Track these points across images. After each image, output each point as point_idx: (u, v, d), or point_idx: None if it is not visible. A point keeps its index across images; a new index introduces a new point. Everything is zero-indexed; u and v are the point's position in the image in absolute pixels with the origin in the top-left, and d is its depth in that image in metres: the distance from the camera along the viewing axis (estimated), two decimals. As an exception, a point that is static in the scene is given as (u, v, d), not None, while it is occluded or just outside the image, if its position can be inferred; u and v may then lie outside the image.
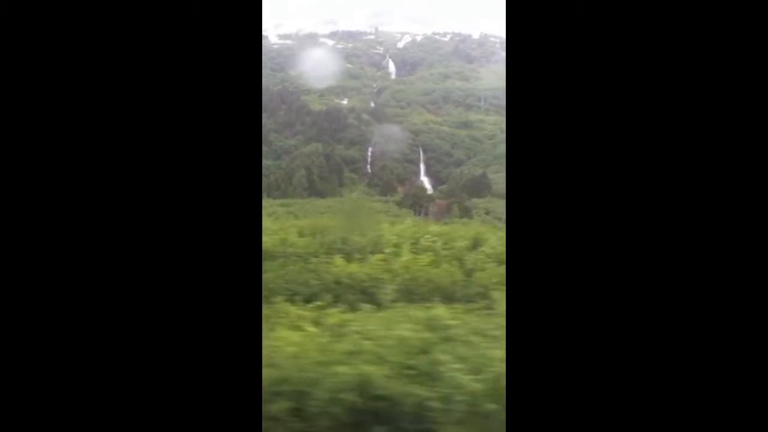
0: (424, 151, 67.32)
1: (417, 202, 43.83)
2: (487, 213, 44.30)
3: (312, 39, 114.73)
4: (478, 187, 48.94)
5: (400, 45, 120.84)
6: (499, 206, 47.16)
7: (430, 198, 46.26)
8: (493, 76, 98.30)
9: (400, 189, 54.42)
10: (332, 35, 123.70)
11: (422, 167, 65.93)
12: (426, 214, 41.23)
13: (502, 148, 67.94)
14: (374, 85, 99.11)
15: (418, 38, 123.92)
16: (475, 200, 46.97)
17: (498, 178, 57.63)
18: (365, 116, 70.52)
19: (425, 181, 63.45)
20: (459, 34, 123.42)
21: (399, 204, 42.47)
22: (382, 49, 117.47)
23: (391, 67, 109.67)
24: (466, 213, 39.69)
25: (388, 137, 64.42)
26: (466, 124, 75.85)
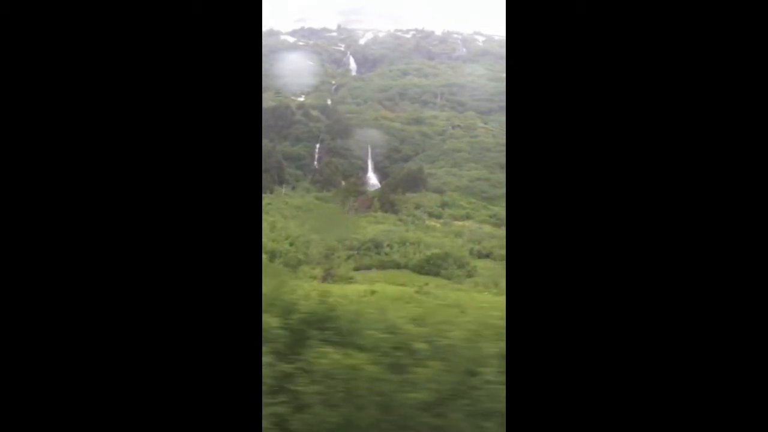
0: (373, 147, 67.36)
1: (347, 198, 43.97)
2: (417, 207, 44.72)
3: (273, 36, 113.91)
4: (415, 182, 49.23)
5: (362, 42, 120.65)
6: (432, 201, 47.59)
7: (362, 193, 46.39)
8: (452, 72, 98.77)
9: (345, 184, 54.39)
10: (293, 33, 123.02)
11: (370, 163, 65.99)
12: (351, 209, 41.44)
13: (450, 144, 68.37)
14: (333, 82, 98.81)
15: (381, 35, 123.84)
16: (408, 195, 47.26)
17: (442, 173, 58.04)
18: (314, 113, 70.27)
19: (372, 177, 63.58)
20: (422, 31, 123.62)
21: (325, 200, 42.55)
22: (343, 46, 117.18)
23: (352, 64, 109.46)
24: (390, 207, 39.93)
25: (346, 134, 64.42)
26: (418, 121, 76.01)
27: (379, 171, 64.85)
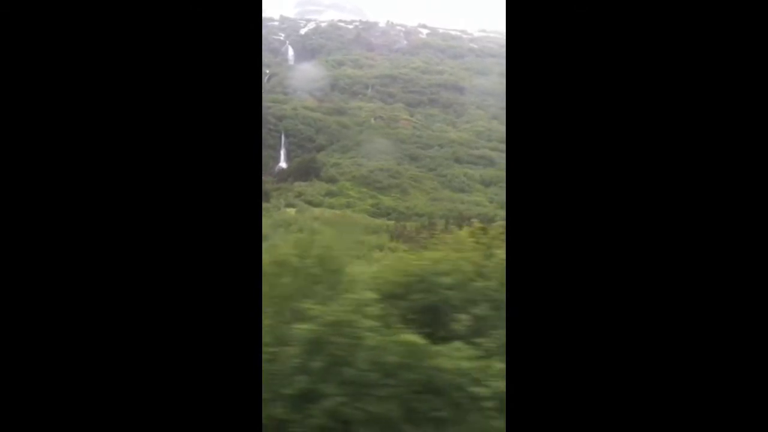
0: (287, 137, 66.86)
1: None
2: (298, 195, 44.51)
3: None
4: (307, 171, 49.01)
5: (303, 32, 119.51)
6: (318, 190, 47.44)
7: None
8: (389, 63, 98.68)
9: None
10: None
11: (282, 153, 65.49)
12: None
13: (366, 135, 68.37)
14: (267, 72, 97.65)
15: (323, 25, 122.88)
16: (297, 184, 47.06)
17: (349, 163, 57.99)
18: (229, 101, 69.28)
19: (284, 167, 63.09)
20: (365, 22, 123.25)
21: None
22: (283, 35, 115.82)
23: (290, 54, 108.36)
24: (263, 196, 39.64)
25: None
26: (340, 111, 75.84)
27: (291, 161, 64.36)
